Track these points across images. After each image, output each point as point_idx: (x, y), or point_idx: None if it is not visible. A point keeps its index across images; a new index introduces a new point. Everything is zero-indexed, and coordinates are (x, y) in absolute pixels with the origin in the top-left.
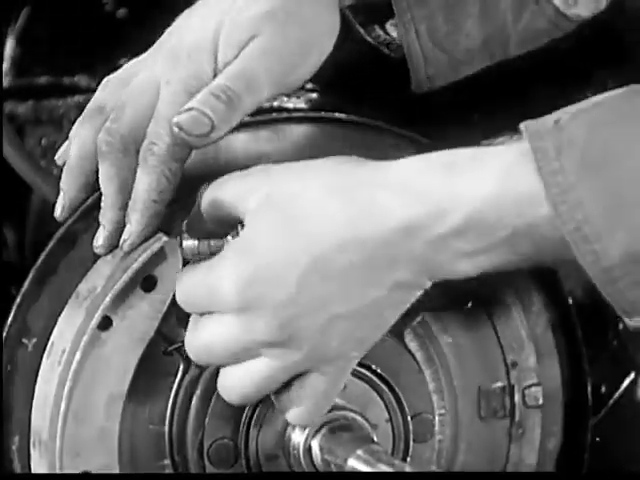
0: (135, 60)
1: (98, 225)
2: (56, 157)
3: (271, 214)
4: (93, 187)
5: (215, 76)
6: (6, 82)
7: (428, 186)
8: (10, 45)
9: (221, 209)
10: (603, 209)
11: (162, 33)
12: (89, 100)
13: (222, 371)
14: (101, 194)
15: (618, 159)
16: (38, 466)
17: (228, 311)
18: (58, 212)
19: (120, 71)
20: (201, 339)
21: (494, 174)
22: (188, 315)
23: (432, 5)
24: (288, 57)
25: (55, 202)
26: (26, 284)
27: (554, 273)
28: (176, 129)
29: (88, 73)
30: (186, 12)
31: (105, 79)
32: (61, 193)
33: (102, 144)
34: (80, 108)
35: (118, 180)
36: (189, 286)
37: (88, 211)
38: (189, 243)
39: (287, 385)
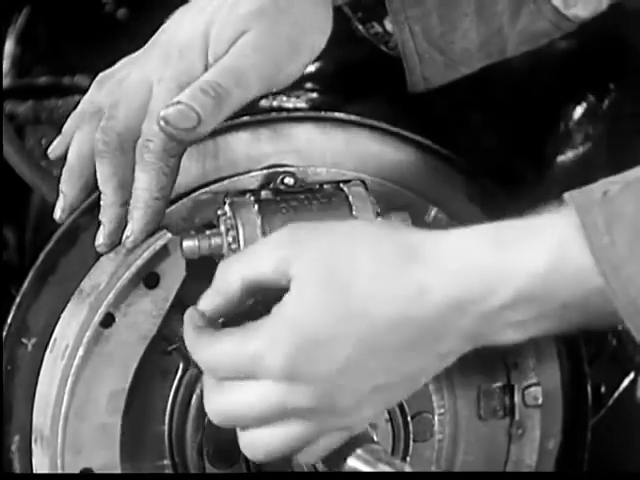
0: (128, 58)
1: (99, 224)
2: (49, 151)
3: (318, 286)
4: (92, 189)
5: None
6: (6, 82)
7: (477, 262)
8: (10, 45)
9: (260, 285)
10: None
11: None
12: None
13: (245, 432)
14: (100, 193)
15: None
16: (40, 463)
17: (270, 378)
18: (57, 214)
19: (114, 69)
20: (230, 402)
21: (544, 249)
22: None
23: (427, 5)
24: (278, 54)
25: (55, 202)
26: (26, 284)
27: None
28: (163, 123)
29: (88, 73)
30: (179, 10)
31: (99, 77)
32: (60, 195)
33: (98, 143)
34: None
35: (116, 178)
36: (223, 353)
37: (87, 211)
38: (189, 243)
39: None
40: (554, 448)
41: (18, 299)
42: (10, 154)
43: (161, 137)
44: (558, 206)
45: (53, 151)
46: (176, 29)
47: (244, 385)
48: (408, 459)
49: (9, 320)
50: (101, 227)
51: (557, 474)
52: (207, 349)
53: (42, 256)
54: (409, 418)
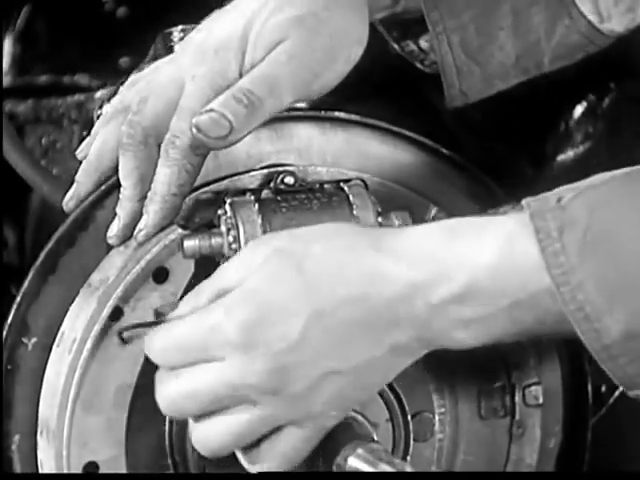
0: (161, 60)
1: (113, 216)
2: (77, 152)
3: (279, 262)
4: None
5: (241, 75)
6: (6, 81)
7: (431, 250)
8: (10, 44)
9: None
10: (604, 290)
11: (162, 32)
12: (89, 99)
13: (196, 425)
14: (103, 192)
15: (619, 241)
16: (45, 455)
17: (224, 353)
18: (66, 201)
19: (147, 71)
20: (182, 388)
21: (496, 242)
22: None
23: (464, 17)
24: (313, 64)
25: (55, 201)
26: (26, 283)
27: None
28: (195, 130)
29: (88, 72)
30: (217, 12)
31: (131, 78)
32: (75, 184)
33: (123, 136)
34: (80, 107)
35: (137, 173)
36: (178, 335)
37: (88, 211)
38: (190, 243)
39: (258, 440)
40: (555, 447)
41: (18, 299)
42: (10, 153)
43: (188, 135)
44: (514, 208)
45: (81, 152)
46: (213, 29)
47: (195, 369)
48: (408, 459)
49: (9, 320)
50: (116, 219)
51: (557, 474)
52: (164, 337)
53: (42, 256)
54: (409, 417)
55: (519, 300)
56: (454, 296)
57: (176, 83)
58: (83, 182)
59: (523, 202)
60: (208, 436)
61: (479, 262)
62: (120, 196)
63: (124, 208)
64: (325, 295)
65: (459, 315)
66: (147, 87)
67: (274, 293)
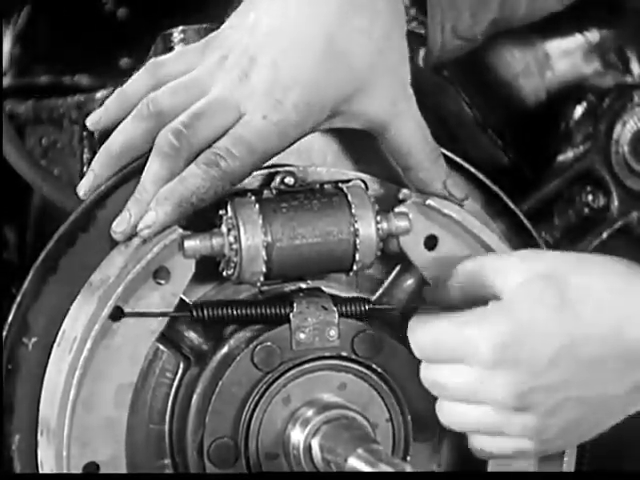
0: (199, 70)
1: (114, 216)
2: (87, 121)
3: (540, 289)
4: None
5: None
6: (6, 81)
7: None
8: (10, 44)
9: (477, 279)
10: None
11: (162, 33)
12: (90, 99)
13: (443, 400)
14: (104, 192)
15: None
16: (45, 455)
17: (473, 362)
18: (82, 191)
19: (174, 65)
20: (433, 378)
21: None
22: (195, 317)
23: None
24: None
25: (56, 201)
26: (26, 283)
27: None
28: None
29: (88, 73)
30: None
31: (152, 69)
32: (91, 173)
33: (165, 144)
34: (80, 107)
35: (163, 182)
36: (440, 332)
37: (89, 211)
38: (191, 243)
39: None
40: None
41: (18, 299)
42: (10, 153)
43: (236, 164)
44: None
45: (93, 122)
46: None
47: (444, 367)
48: (408, 459)
49: (10, 319)
50: (127, 216)
51: (557, 474)
52: (423, 332)
53: (42, 256)
54: (409, 418)
55: None
56: None
57: (234, 110)
58: (101, 175)
59: None
60: (452, 416)
61: None
62: (137, 195)
63: (139, 209)
64: (579, 329)
65: None
66: (202, 105)
67: (532, 317)
